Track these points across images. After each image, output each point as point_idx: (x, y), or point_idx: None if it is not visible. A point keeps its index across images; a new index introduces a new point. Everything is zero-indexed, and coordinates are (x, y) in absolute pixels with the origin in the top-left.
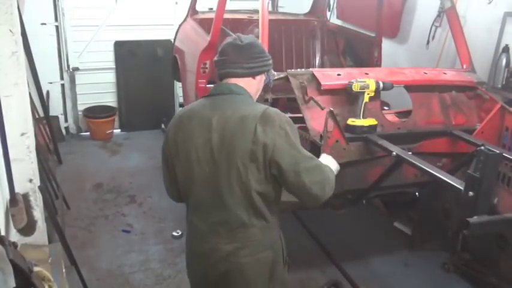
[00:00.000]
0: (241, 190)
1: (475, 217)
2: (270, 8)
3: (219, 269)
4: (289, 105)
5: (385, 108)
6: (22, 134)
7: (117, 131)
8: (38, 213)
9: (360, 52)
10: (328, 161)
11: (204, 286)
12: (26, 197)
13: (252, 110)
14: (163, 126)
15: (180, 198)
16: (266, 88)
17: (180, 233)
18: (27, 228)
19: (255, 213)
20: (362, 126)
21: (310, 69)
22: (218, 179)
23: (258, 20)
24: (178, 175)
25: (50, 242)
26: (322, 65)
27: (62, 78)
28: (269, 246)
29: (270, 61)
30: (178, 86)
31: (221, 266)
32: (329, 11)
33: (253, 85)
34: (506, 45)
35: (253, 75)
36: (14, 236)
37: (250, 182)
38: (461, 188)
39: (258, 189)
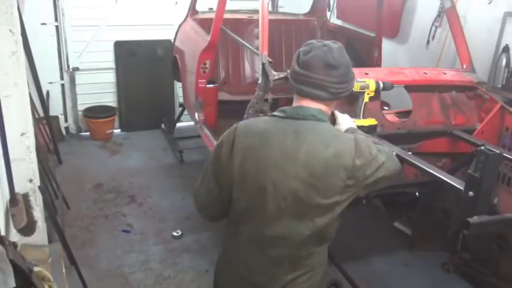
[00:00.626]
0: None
1: (475, 217)
2: (270, 8)
3: None
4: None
5: (385, 108)
6: (22, 134)
7: (117, 131)
8: (38, 213)
9: (360, 52)
10: (349, 123)
11: None
12: (26, 197)
13: (344, 143)
14: (163, 126)
15: (219, 218)
16: (266, 88)
17: (180, 233)
18: (27, 228)
19: (324, 241)
20: (362, 126)
21: None
22: (295, 216)
23: (258, 20)
24: (238, 200)
25: (50, 242)
26: None
27: (62, 78)
28: (322, 265)
29: (353, 81)
30: (178, 86)
31: None
32: (329, 11)
33: (332, 107)
34: (506, 45)
35: (338, 99)
36: (14, 236)
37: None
38: (461, 188)
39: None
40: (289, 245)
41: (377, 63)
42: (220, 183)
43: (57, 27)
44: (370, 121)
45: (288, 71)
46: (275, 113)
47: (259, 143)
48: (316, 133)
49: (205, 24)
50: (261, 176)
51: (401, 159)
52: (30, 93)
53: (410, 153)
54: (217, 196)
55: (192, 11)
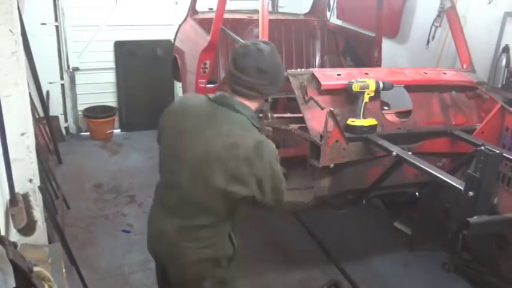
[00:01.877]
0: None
1: (475, 217)
2: (270, 8)
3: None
4: (289, 105)
5: (385, 108)
6: (22, 134)
7: (117, 131)
8: (38, 213)
9: (360, 52)
10: None
11: None
12: (26, 197)
13: (245, 139)
14: None
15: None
16: None
17: None
18: (27, 228)
19: (208, 215)
20: (362, 126)
21: (310, 69)
22: (183, 185)
23: (258, 20)
24: (160, 153)
25: (50, 242)
26: (322, 65)
27: (62, 78)
28: (211, 240)
29: (282, 82)
30: (178, 86)
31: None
32: (329, 11)
33: (259, 102)
34: (506, 45)
35: (264, 96)
36: (14, 236)
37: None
38: (461, 188)
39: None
40: (178, 208)
41: (377, 63)
42: (158, 134)
43: (57, 27)
44: (370, 121)
45: (288, 70)
46: (209, 95)
47: (183, 113)
48: (228, 121)
49: (205, 24)
50: (173, 137)
51: (402, 159)
52: (30, 93)
53: (410, 153)
54: (158, 140)
55: (192, 11)
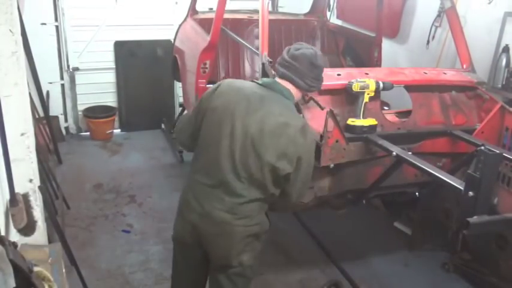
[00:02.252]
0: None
1: (475, 217)
2: (270, 8)
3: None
4: None
5: (385, 108)
6: (22, 134)
7: (117, 131)
8: (38, 213)
9: (360, 52)
10: None
11: None
12: (26, 197)
13: (295, 119)
14: (163, 126)
15: (187, 144)
16: None
17: None
18: (27, 228)
19: (259, 192)
20: (362, 126)
21: None
22: (235, 161)
23: (258, 20)
24: (202, 129)
25: (50, 242)
26: None
27: (62, 78)
28: (256, 217)
29: (322, 83)
30: (178, 86)
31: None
32: (329, 11)
33: (299, 97)
34: (506, 45)
35: (307, 91)
36: (14, 236)
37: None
38: (461, 188)
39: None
40: (229, 184)
41: (377, 63)
42: (197, 114)
43: (57, 27)
44: (370, 121)
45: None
46: (255, 80)
47: (234, 95)
48: (278, 104)
49: (205, 24)
50: (225, 117)
51: (402, 159)
52: (30, 93)
53: (410, 153)
54: (193, 120)
55: (192, 11)
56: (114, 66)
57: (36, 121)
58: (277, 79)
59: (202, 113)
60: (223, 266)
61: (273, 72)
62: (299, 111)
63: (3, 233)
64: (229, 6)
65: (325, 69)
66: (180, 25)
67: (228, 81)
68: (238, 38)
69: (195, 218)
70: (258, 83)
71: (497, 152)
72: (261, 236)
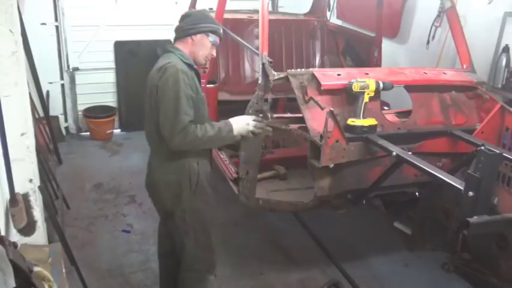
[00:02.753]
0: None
1: (475, 217)
2: (270, 8)
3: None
4: (289, 105)
5: (385, 108)
6: (22, 134)
7: (117, 131)
8: (38, 213)
9: (360, 52)
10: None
11: None
12: (26, 197)
13: (161, 63)
14: None
15: None
16: (266, 88)
17: None
18: (27, 228)
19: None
20: (362, 126)
21: (310, 69)
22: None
23: (258, 20)
24: None
25: (50, 242)
26: (322, 65)
27: (62, 78)
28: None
29: (211, 26)
30: None
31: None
32: (329, 11)
33: (189, 44)
34: (506, 45)
35: (187, 36)
36: (14, 236)
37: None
38: (461, 188)
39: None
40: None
41: (377, 63)
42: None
43: (57, 27)
44: (370, 121)
45: (288, 70)
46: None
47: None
48: (161, 59)
49: None
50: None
51: (402, 159)
52: (30, 93)
53: (410, 153)
54: None
55: None
56: (114, 66)
57: (36, 121)
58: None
59: None
60: (165, 214)
61: (273, 72)
62: (298, 111)
63: (3, 233)
64: (229, 6)
65: (325, 69)
66: None
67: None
68: (238, 38)
69: (146, 178)
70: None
71: (497, 152)
72: (183, 187)
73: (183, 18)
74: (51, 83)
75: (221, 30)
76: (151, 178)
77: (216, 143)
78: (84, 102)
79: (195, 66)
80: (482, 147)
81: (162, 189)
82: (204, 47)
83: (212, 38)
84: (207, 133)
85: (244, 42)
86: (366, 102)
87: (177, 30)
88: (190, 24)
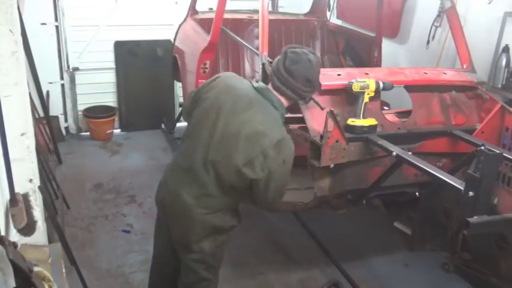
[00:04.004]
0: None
1: (475, 217)
2: (270, 8)
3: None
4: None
5: (385, 108)
6: (22, 134)
7: (117, 131)
8: (38, 213)
9: (360, 52)
10: None
11: None
12: (26, 197)
13: (274, 132)
14: (163, 126)
15: (186, 119)
16: None
17: None
18: (27, 228)
19: (222, 191)
20: (362, 126)
21: None
22: (210, 153)
23: (258, 20)
24: (192, 116)
25: (50, 242)
26: (322, 65)
27: (62, 78)
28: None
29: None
30: (178, 86)
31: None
32: (329, 11)
33: (290, 103)
34: (506, 45)
35: (298, 98)
36: (14, 236)
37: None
38: (461, 188)
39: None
40: (197, 173)
41: (377, 63)
42: (193, 99)
43: (57, 27)
44: (370, 121)
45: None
46: (252, 82)
47: (226, 91)
48: (263, 111)
49: (205, 24)
50: (211, 109)
51: (402, 159)
52: (30, 93)
53: (410, 153)
54: (189, 103)
55: (192, 11)
56: (114, 66)
57: (36, 121)
58: (271, 87)
59: (196, 100)
60: (184, 248)
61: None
62: (298, 111)
63: (3, 233)
64: (229, 6)
65: (325, 69)
66: (180, 25)
67: (226, 76)
68: (238, 38)
69: (164, 196)
70: (253, 86)
71: (497, 152)
72: (223, 230)
73: (307, 82)
74: (51, 83)
75: None
76: (178, 208)
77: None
78: (84, 102)
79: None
80: (482, 147)
81: (196, 229)
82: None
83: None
84: None
85: (244, 42)
86: (366, 102)
87: (291, 90)
88: (310, 90)
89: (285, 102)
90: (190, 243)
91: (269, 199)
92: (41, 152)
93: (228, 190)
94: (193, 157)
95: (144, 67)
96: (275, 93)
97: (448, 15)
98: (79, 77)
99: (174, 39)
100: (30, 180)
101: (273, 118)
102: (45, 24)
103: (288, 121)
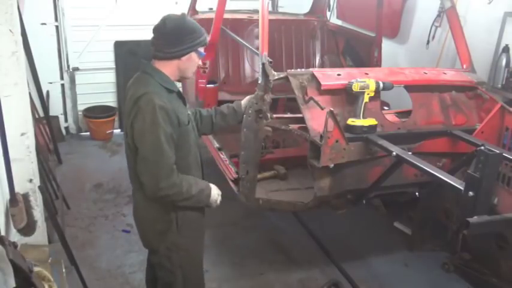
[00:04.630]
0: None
1: (475, 217)
2: (270, 8)
3: None
4: (289, 105)
5: (385, 108)
6: (22, 134)
7: (117, 131)
8: (38, 213)
9: (360, 52)
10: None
11: None
12: (26, 197)
13: (138, 89)
14: None
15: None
16: (266, 88)
17: None
18: (27, 228)
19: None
20: (362, 126)
21: (310, 69)
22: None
23: (258, 20)
24: None
25: (50, 242)
26: (322, 65)
27: (62, 78)
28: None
29: (198, 40)
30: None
31: None
32: (329, 11)
33: (174, 65)
34: (506, 45)
35: (172, 58)
36: (14, 236)
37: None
38: (461, 188)
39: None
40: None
41: (377, 63)
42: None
43: (57, 27)
44: (370, 121)
45: (288, 70)
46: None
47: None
48: (138, 82)
49: (205, 24)
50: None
51: (402, 159)
52: (30, 93)
53: (410, 153)
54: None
55: (192, 11)
56: (114, 66)
57: (36, 121)
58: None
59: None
60: (148, 250)
61: (273, 72)
62: (298, 111)
63: (3, 233)
64: (229, 6)
65: (325, 69)
66: None
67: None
68: (238, 38)
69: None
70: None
71: (497, 152)
72: (165, 227)
73: (164, 36)
74: (51, 83)
75: (206, 36)
76: (135, 213)
77: (191, 202)
78: (84, 102)
79: (176, 90)
80: (482, 147)
81: (146, 226)
82: (192, 62)
83: (201, 51)
84: (191, 191)
85: (244, 42)
86: (366, 102)
87: (159, 50)
88: (176, 45)
89: (162, 66)
90: (147, 244)
91: (142, 173)
92: (41, 152)
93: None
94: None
95: None
96: (154, 63)
97: (448, 15)
98: (79, 77)
99: None
100: (30, 180)
101: (144, 82)
102: (45, 24)
103: (288, 121)
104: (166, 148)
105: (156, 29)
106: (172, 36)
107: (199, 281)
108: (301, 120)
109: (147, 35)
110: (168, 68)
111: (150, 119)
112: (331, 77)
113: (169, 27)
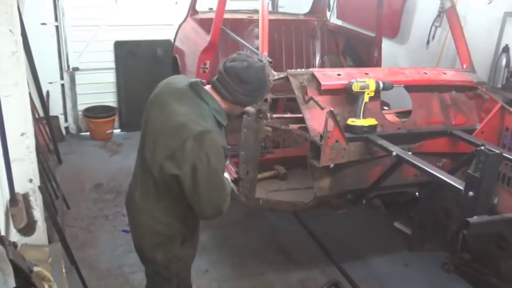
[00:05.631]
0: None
1: (475, 217)
2: (270, 8)
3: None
4: (289, 105)
5: (385, 108)
6: (22, 134)
7: (117, 131)
8: (38, 213)
9: (360, 52)
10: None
11: None
12: (26, 197)
13: (196, 124)
14: None
15: None
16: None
17: None
18: (27, 228)
19: (158, 193)
20: (362, 126)
21: (310, 69)
22: (149, 153)
23: (258, 20)
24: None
25: (50, 242)
26: (322, 65)
27: (62, 78)
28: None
29: (265, 94)
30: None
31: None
32: (329, 11)
33: (229, 108)
34: (506, 45)
35: (237, 105)
36: (14, 236)
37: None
38: (461, 188)
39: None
40: (138, 177)
41: (377, 63)
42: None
43: (57, 27)
44: (370, 121)
45: (288, 70)
46: (192, 81)
47: (163, 89)
48: (191, 106)
49: (205, 24)
50: (148, 109)
51: (402, 159)
52: (30, 93)
53: (410, 153)
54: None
55: (192, 11)
56: (114, 66)
57: (36, 121)
58: (208, 86)
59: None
60: (141, 257)
61: (273, 72)
62: (298, 111)
63: (3, 233)
64: (229, 6)
65: (325, 69)
66: (180, 25)
67: (170, 77)
68: (238, 38)
69: (126, 200)
70: (191, 84)
71: (497, 152)
72: (172, 241)
73: (241, 82)
74: (51, 83)
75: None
76: (132, 213)
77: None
78: (84, 102)
79: (225, 124)
80: (482, 147)
81: (145, 236)
82: (237, 109)
83: None
84: (228, 194)
85: (244, 42)
86: (366, 102)
87: (227, 89)
88: (248, 95)
89: (220, 101)
90: (144, 252)
91: (203, 206)
92: (41, 152)
93: (164, 192)
94: (138, 156)
95: (144, 67)
96: (210, 91)
97: (448, 15)
98: (79, 77)
99: (174, 39)
100: (30, 180)
101: (199, 111)
102: (45, 24)
103: (288, 121)
104: (224, 181)
105: (234, 72)
106: (248, 86)
107: (189, 284)
108: (301, 120)
109: (147, 35)
110: (222, 103)
111: (216, 160)
112: (331, 77)
113: (251, 78)
